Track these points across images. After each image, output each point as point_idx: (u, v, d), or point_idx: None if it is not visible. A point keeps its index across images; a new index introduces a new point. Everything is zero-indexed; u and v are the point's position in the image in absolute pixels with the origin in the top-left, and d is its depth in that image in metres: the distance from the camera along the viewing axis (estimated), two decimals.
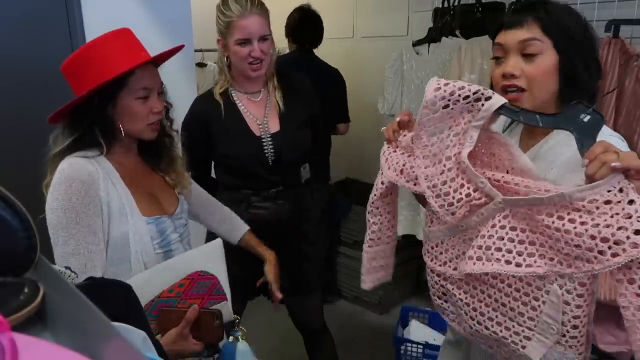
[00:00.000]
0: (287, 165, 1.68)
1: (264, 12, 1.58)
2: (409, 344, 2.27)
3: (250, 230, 1.54)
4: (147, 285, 1.07)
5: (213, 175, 1.84)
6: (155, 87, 1.14)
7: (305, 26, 2.72)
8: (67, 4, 1.80)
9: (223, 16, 1.55)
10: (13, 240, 0.58)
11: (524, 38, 0.97)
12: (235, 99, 1.66)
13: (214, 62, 2.75)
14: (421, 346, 2.22)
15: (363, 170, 3.32)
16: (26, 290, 0.55)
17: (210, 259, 1.16)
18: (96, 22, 1.83)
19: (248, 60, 1.56)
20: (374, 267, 1.16)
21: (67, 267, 0.83)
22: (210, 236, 1.69)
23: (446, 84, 0.89)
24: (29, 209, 0.60)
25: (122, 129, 1.12)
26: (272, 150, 1.64)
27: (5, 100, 1.73)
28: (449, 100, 0.88)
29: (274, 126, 1.66)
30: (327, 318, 2.00)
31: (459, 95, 0.88)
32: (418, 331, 2.38)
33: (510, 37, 0.99)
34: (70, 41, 1.83)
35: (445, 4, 2.36)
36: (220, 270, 1.16)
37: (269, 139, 1.64)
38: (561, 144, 1.00)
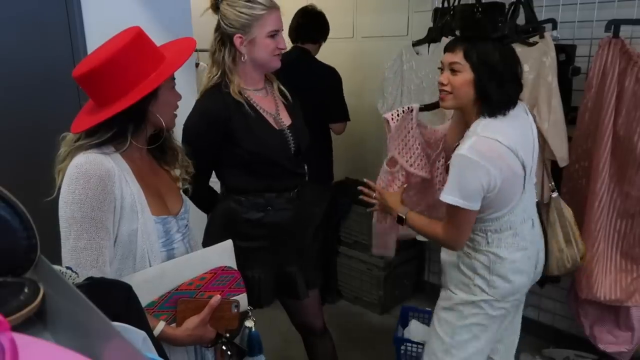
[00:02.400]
0: (303, 156, 1.70)
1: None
2: (409, 344, 2.27)
3: None
4: (162, 278, 1.12)
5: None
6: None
7: (311, 25, 2.73)
8: (67, 5, 1.80)
9: (250, 10, 1.51)
10: (13, 240, 0.58)
11: (451, 61, 1.47)
12: (246, 96, 1.61)
13: (205, 63, 2.74)
14: (421, 346, 2.22)
15: (363, 170, 3.30)
16: (26, 290, 0.55)
17: (224, 257, 1.21)
18: (96, 23, 1.83)
19: (275, 52, 1.57)
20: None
21: (68, 267, 0.83)
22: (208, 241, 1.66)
23: (392, 114, 1.81)
24: (29, 210, 0.60)
25: (162, 121, 1.15)
26: (293, 141, 1.65)
27: (5, 101, 1.73)
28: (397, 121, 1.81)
29: (286, 119, 1.67)
30: (327, 318, 2.00)
31: (398, 114, 1.81)
32: (418, 331, 2.38)
33: (446, 58, 1.50)
34: (70, 41, 1.83)
35: (445, 4, 2.36)
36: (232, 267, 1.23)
37: (288, 131, 1.65)
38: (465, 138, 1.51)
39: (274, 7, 1.55)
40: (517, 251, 1.57)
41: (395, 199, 1.73)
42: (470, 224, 1.51)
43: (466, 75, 1.45)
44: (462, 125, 1.57)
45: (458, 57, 1.46)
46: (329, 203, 2.86)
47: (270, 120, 1.63)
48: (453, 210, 1.46)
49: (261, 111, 1.62)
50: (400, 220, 1.66)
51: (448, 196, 1.44)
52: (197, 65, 2.94)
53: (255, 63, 1.59)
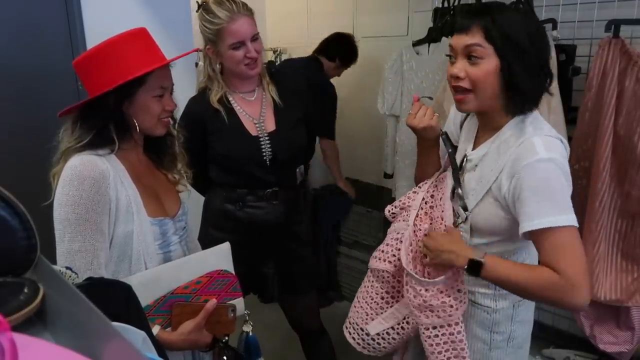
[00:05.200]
0: (283, 165, 1.68)
1: (250, 12, 1.57)
2: None
3: None
4: (157, 282, 1.11)
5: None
6: (170, 87, 1.18)
7: (334, 43, 2.89)
8: (68, 7, 1.80)
9: (211, 24, 1.54)
10: (13, 240, 0.58)
11: (468, 43, 1.07)
12: (231, 101, 1.66)
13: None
14: None
15: (362, 170, 3.32)
16: (26, 290, 0.55)
17: (221, 260, 1.20)
18: (96, 25, 1.83)
19: (244, 62, 1.57)
20: None
21: (67, 267, 0.83)
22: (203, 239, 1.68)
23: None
24: (29, 211, 0.60)
25: (137, 125, 1.13)
26: (269, 150, 1.64)
27: (5, 102, 1.73)
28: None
29: (271, 125, 1.67)
30: (327, 318, 2.00)
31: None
32: None
33: (458, 41, 1.10)
34: (70, 43, 1.83)
35: (445, 4, 2.35)
36: (229, 270, 1.22)
37: (266, 139, 1.64)
38: (505, 143, 1.13)
39: (236, 18, 1.52)
40: None
41: (455, 239, 1.14)
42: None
43: (490, 63, 1.06)
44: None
45: (477, 37, 1.06)
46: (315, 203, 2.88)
47: (249, 126, 1.65)
48: (561, 239, 1.00)
49: (242, 116, 1.65)
50: (476, 268, 1.07)
51: (548, 218, 1.00)
52: (196, 64, 2.95)
53: (229, 71, 1.62)
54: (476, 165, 1.19)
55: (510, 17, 1.07)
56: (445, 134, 1.29)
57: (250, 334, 1.31)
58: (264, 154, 1.64)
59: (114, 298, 0.81)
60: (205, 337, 1.15)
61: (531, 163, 1.03)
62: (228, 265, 1.21)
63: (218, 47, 1.57)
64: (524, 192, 1.04)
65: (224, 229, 1.70)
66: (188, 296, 1.14)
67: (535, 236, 1.04)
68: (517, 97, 1.09)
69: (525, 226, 1.03)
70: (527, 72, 1.06)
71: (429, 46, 2.43)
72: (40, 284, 0.57)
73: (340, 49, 2.87)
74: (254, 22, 1.58)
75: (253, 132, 1.64)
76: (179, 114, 1.31)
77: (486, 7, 1.10)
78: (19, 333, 0.42)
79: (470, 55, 1.08)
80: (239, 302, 1.22)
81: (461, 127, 1.32)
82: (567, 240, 1.01)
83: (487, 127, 1.18)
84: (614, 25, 1.81)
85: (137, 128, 1.14)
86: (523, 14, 1.08)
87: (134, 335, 0.63)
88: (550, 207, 1.02)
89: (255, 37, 1.57)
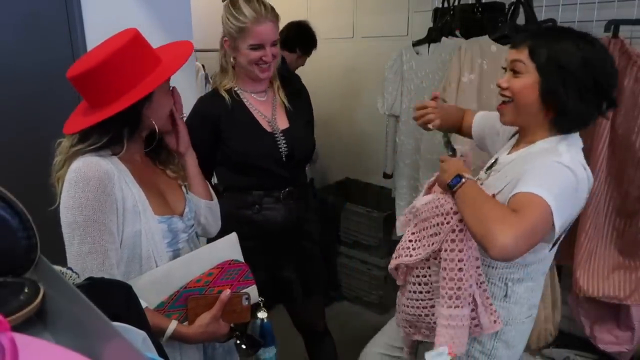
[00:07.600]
0: (297, 162, 1.69)
1: (275, 17, 1.57)
2: None
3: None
4: (169, 278, 1.12)
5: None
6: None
7: (290, 34, 2.85)
8: (67, 5, 1.80)
9: (235, 20, 1.53)
10: (13, 240, 0.58)
11: (513, 58, 1.18)
12: (242, 97, 1.65)
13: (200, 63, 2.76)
14: (421, 345, 2.22)
15: (362, 170, 3.32)
16: (26, 290, 0.55)
17: (230, 250, 1.21)
18: (96, 23, 1.83)
19: (258, 63, 1.57)
20: None
21: (68, 268, 0.83)
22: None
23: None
24: (31, 214, 0.60)
25: (156, 124, 1.14)
26: (285, 146, 1.64)
27: (5, 101, 1.73)
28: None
29: (283, 123, 1.67)
30: (327, 318, 2.00)
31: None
32: None
33: (509, 55, 1.21)
34: (70, 42, 1.83)
35: (445, 4, 2.36)
36: (239, 260, 1.23)
37: (280, 135, 1.64)
38: (532, 154, 1.18)
39: (261, 21, 1.52)
40: (528, 310, 1.29)
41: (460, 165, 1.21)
42: (539, 237, 1.05)
43: (528, 78, 1.15)
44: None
45: (522, 54, 1.16)
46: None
47: (263, 123, 1.64)
48: (533, 206, 1.02)
49: (255, 113, 1.64)
50: (456, 183, 1.12)
51: (536, 188, 1.03)
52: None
53: (241, 68, 1.62)
54: (499, 171, 1.24)
55: (566, 43, 1.13)
56: (447, 135, 1.42)
57: (265, 320, 1.31)
58: (281, 150, 1.64)
59: (114, 298, 0.81)
60: (223, 328, 1.17)
61: (548, 160, 1.09)
62: (237, 255, 1.22)
63: (237, 43, 1.56)
64: (526, 172, 1.09)
65: (242, 237, 1.67)
66: (202, 289, 1.15)
67: (516, 198, 1.05)
68: (559, 116, 1.15)
69: (514, 191, 1.06)
70: (574, 92, 1.11)
71: (428, 46, 2.43)
72: (40, 283, 0.57)
73: (298, 38, 2.85)
74: (277, 28, 1.58)
75: (267, 129, 1.64)
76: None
77: (542, 30, 1.21)
78: (19, 333, 0.42)
79: (513, 69, 1.18)
80: (252, 290, 1.23)
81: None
82: (541, 206, 1.01)
83: (524, 139, 1.25)
84: (613, 26, 1.81)
85: (157, 127, 1.15)
86: (583, 41, 1.13)
87: (134, 335, 0.63)
88: (535, 181, 1.05)
89: (275, 42, 1.57)
